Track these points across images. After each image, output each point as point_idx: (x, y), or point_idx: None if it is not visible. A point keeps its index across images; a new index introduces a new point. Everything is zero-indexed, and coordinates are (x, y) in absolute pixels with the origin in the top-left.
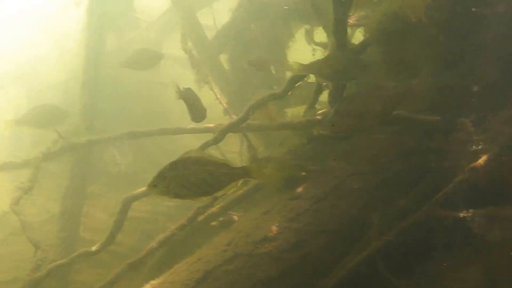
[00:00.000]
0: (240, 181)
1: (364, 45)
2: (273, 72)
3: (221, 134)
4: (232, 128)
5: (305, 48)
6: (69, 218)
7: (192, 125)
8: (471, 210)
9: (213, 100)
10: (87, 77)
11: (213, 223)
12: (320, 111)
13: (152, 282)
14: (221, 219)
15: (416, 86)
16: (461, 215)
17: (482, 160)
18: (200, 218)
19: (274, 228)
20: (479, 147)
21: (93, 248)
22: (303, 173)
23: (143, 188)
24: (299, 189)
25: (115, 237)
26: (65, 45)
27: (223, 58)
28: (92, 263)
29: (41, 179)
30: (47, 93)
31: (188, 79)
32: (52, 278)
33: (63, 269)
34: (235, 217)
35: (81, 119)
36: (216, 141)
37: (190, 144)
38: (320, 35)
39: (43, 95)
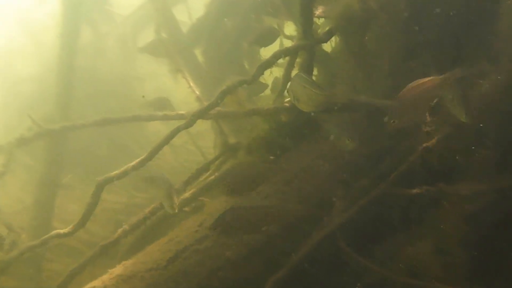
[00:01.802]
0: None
1: (329, 34)
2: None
3: (192, 119)
4: (202, 113)
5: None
6: (42, 208)
7: (165, 112)
8: (424, 187)
9: (188, 91)
10: (62, 68)
11: (186, 208)
12: (288, 99)
13: (124, 262)
14: (193, 204)
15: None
16: (415, 192)
17: (434, 140)
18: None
19: None
20: (432, 128)
21: (65, 230)
22: (271, 157)
23: (116, 172)
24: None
25: (88, 219)
26: (40, 38)
27: (198, 51)
28: (64, 252)
29: (16, 171)
30: (22, 85)
31: (162, 73)
32: (25, 265)
33: (35, 252)
34: (207, 202)
35: (56, 109)
36: (187, 125)
37: (162, 132)
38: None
39: (18, 88)
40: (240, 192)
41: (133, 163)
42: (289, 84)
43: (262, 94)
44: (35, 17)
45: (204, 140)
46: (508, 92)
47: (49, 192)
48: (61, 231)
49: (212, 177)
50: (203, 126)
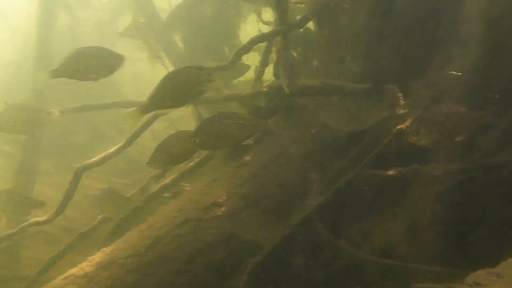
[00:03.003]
0: None
1: (304, 20)
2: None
3: None
4: None
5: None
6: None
7: (143, 98)
8: (398, 169)
9: None
10: (39, 55)
11: (166, 194)
12: (266, 83)
13: (104, 249)
14: (173, 190)
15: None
16: (389, 173)
17: (407, 122)
18: (153, 189)
19: (222, 194)
20: (405, 111)
21: (44, 218)
22: (250, 142)
23: (95, 158)
24: (246, 157)
25: (66, 206)
26: (16, 25)
27: (178, 37)
28: (43, 239)
29: None
30: None
31: (140, 59)
32: (1, 253)
33: (13, 240)
34: (187, 188)
35: (33, 96)
36: (164, 111)
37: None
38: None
39: None
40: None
41: (112, 149)
42: None
43: (243, 78)
44: (11, 3)
45: (185, 125)
46: (475, 73)
47: (28, 179)
48: (39, 218)
49: (192, 163)
50: (184, 111)
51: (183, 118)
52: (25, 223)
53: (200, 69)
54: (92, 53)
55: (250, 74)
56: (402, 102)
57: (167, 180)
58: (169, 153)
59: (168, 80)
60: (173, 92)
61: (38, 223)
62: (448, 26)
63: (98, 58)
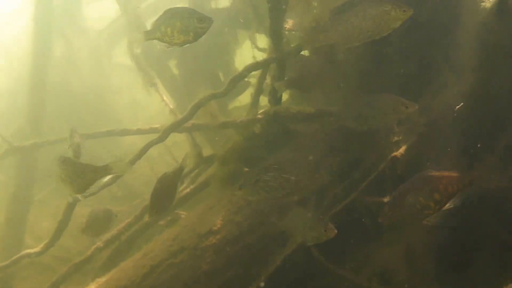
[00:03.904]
0: None
1: (299, 48)
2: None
3: (165, 133)
4: (176, 127)
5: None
6: (14, 225)
7: (138, 126)
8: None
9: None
10: (33, 83)
11: (161, 222)
12: (261, 111)
13: (98, 279)
14: (168, 218)
15: None
16: (386, 200)
17: (402, 149)
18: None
19: (218, 221)
20: (400, 138)
21: (36, 250)
22: (246, 169)
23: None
24: None
25: (59, 237)
26: (12, 53)
27: (172, 64)
28: (38, 269)
29: None
30: None
31: (137, 85)
32: None
33: (5, 272)
34: (182, 216)
35: (27, 124)
36: (160, 139)
37: (138, 144)
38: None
39: None
40: None
41: (106, 178)
42: None
43: (238, 104)
44: (8, 32)
45: (181, 151)
46: (470, 100)
47: (22, 208)
48: (32, 250)
49: (188, 189)
50: (180, 137)
51: (178, 144)
52: (17, 256)
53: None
54: (180, 15)
55: (246, 99)
56: (397, 129)
57: None
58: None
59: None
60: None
61: (30, 256)
62: (443, 53)
63: (184, 20)
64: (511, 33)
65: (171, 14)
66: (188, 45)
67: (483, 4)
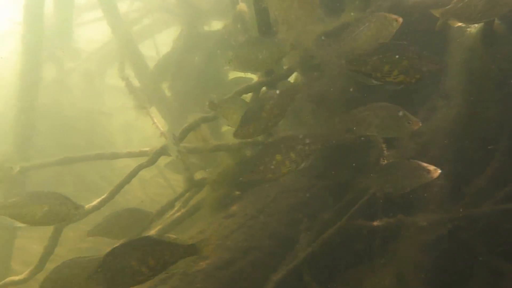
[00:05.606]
0: None
1: (289, 71)
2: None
3: (154, 156)
4: (165, 151)
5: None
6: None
7: (128, 149)
8: (384, 219)
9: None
10: (22, 106)
11: None
12: None
13: None
14: None
15: None
16: (376, 224)
17: None
18: None
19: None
20: (390, 162)
21: (20, 277)
22: (237, 193)
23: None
24: (234, 208)
25: (45, 264)
26: (2, 74)
27: (165, 86)
28: None
29: None
30: None
31: (130, 108)
32: None
33: None
34: None
35: (15, 149)
36: (150, 163)
37: (130, 166)
38: None
39: None
40: None
41: (94, 202)
42: None
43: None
44: None
45: (173, 173)
46: (458, 124)
47: (8, 233)
48: (16, 277)
49: (178, 213)
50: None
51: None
52: (1, 283)
53: None
54: None
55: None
56: (387, 153)
57: (152, 231)
58: None
59: None
60: None
61: (14, 283)
62: (432, 78)
63: None
64: (496, 58)
65: None
66: (180, 67)
67: (468, 30)
